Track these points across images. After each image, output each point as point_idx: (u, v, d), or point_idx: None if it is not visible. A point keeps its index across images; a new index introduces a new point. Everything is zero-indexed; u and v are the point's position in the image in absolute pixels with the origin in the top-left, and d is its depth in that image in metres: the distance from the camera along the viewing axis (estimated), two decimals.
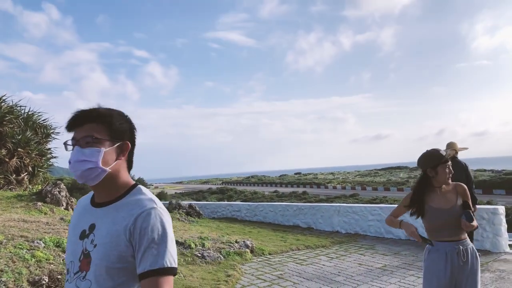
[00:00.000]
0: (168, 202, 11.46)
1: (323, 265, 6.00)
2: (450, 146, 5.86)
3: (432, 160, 2.64)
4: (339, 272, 5.59)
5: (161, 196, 49.15)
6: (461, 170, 5.60)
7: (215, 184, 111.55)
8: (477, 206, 6.78)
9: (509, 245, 6.53)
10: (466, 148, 5.91)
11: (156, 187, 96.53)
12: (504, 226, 6.36)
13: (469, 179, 5.58)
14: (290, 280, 5.20)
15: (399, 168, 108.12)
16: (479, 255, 2.63)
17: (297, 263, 6.12)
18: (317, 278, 5.30)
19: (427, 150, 2.73)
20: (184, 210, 10.45)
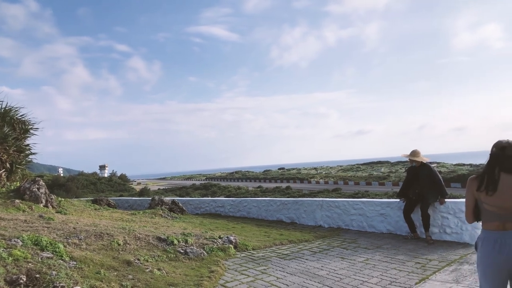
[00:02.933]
0: (150, 198, 11.34)
1: (306, 259, 6.03)
2: (415, 154, 7.04)
3: None
4: (322, 266, 5.62)
5: (144, 192, 48.72)
6: (427, 175, 6.88)
7: (198, 180, 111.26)
8: (457, 200, 6.99)
9: None
10: (427, 160, 7.12)
11: (139, 183, 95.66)
12: None
13: (436, 179, 6.83)
14: (274, 275, 5.20)
15: (380, 163, 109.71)
16: None
17: (280, 258, 6.13)
18: (300, 272, 5.32)
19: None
20: (167, 207, 10.36)
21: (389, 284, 4.73)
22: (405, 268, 5.38)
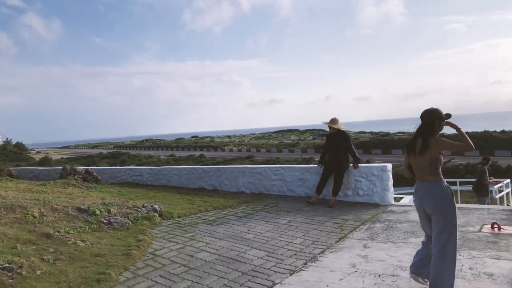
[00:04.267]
0: (61, 168, 10.57)
1: (232, 224, 6.16)
2: (334, 122, 7.56)
3: (440, 115, 3.39)
4: (248, 230, 5.80)
5: (44, 161, 45.11)
6: (343, 141, 7.42)
7: (106, 149, 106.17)
8: (369, 164, 7.61)
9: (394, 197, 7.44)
10: (344, 128, 7.63)
11: (39, 152, 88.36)
12: (390, 181, 7.18)
13: (350, 146, 7.41)
14: (203, 241, 5.25)
15: (290, 131, 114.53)
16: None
17: (207, 224, 6.19)
18: (228, 237, 5.44)
19: (433, 107, 3.46)
20: (81, 176, 9.76)
21: (311, 243, 5.05)
22: (325, 228, 5.77)
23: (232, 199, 8.09)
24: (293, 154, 63.19)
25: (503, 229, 5.09)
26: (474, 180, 11.21)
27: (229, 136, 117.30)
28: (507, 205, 10.95)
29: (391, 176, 7.23)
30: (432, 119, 3.36)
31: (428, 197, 3.34)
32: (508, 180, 11.42)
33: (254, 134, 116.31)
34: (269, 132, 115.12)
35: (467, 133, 3.37)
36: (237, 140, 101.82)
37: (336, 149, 7.38)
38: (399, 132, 76.20)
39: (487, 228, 5.18)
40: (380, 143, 60.46)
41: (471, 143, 3.25)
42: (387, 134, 73.55)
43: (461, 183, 13.63)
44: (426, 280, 3.48)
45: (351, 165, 7.42)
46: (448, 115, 3.42)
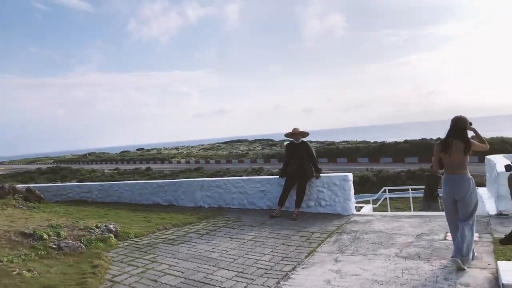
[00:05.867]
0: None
1: (195, 242, 5.82)
2: (296, 132, 7.49)
3: (468, 122, 4.24)
4: (213, 248, 5.50)
5: None
6: (305, 151, 7.39)
7: (45, 164, 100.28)
8: (331, 174, 7.59)
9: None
10: (307, 133, 7.67)
11: None
12: (352, 191, 7.17)
13: (312, 156, 7.43)
14: (165, 263, 4.89)
15: (239, 141, 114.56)
16: None
17: (167, 243, 5.80)
18: (192, 257, 5.11)
19: (462, 115, 4.28)
20: (21, 195, 8.91)
21: (281, 260, 4.84)
22: (292, 242, 5.60)
23: (191, 215, 7.71)
24: (243, 165, 63.05)
25: None
26: (423, 186, 11.46)
27: (176, 148, 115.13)
28: None
29: (352, 185, 7.24)
30: (465, 124, 4.21)
31: (459, 186, 4.16)
32: None
33: (202, 145, 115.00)
34: (218, 143, 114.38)
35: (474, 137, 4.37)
36: (185, 152, 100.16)
37: (299, 159, 7.29)
38: (344, 141, 78.64)
39: (451, 236, 5.25)
40: (326, 152, 61.94)
41: (488, 144, 4.27)
42: (332, 143, 75.60)
43: (413, 190, 13.96)
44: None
45: (314, 175, 7.35)
46: (471, 123, 4.25)
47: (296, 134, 7.49)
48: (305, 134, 7.57)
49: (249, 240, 5.85)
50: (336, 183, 7.15)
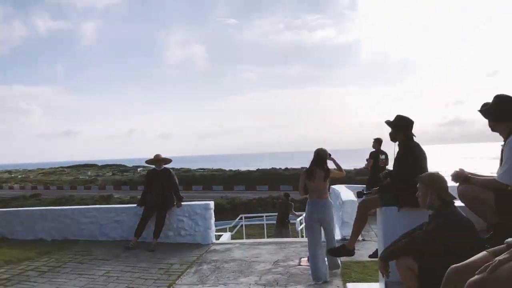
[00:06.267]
0: None
1: (34, 282, 5.02)
2: (159, 158, 7.17)
3: (328, 153, 5.09)
4: (57, 287, 4.81)
5: None
6: (167, 179, 7.07)
7: None
8: (192, 203, 7.48)
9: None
10: (170, 160, 7.49)
11: None
12: (212, 219, 7.15)
13: (174, 183, 7.15)
14: None
15: (87, 166, 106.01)
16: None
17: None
18: None
19: (323, 148, 5.11)
20: None
21: None
22: (150, 276, 5.27)
23: (29, 249, 6.65)
24: (89, 191, 58.23)
25: None
26: (276, 214, 12.13)
27: (9, 171, 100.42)
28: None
29: (213, 214, 7.23)
30: (325, 155, 4.93)
31: (324, 212, 4.84)
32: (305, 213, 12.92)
33: (43, 169, 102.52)
34: (62, 167, 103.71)
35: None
36: (19, 176, 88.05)
37: (160, 187, 6.99)
38: (200, 169, 79.45)
39: (304, 261, 5.61)
40: (181, 179, 61.48)
41: (344, 172, 5.21)
42: (189, 170, 75.72)
43: (267, 217, 14.66)
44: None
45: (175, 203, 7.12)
46: (330, 154, 4.97)
47: (158, 160, 7.22)
48: (168, 160, 7.37)
49: (101, 275, 5.29)
50: (198, 211, 7.05)
